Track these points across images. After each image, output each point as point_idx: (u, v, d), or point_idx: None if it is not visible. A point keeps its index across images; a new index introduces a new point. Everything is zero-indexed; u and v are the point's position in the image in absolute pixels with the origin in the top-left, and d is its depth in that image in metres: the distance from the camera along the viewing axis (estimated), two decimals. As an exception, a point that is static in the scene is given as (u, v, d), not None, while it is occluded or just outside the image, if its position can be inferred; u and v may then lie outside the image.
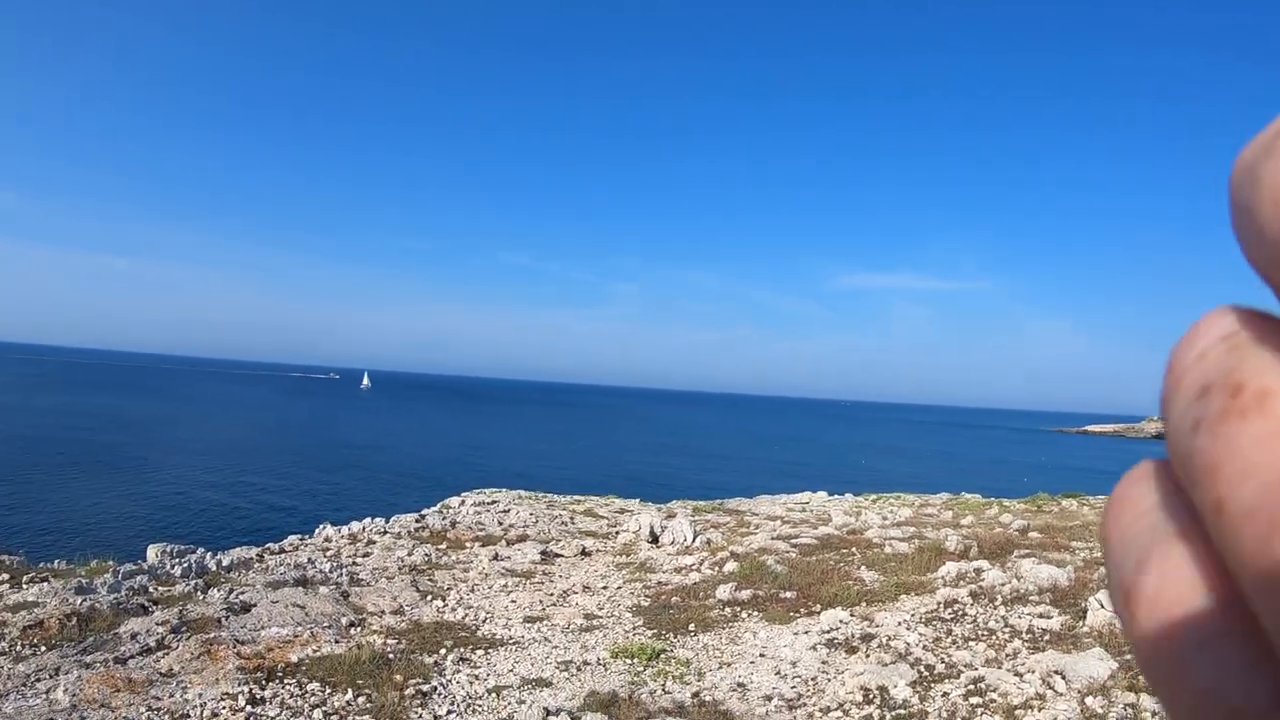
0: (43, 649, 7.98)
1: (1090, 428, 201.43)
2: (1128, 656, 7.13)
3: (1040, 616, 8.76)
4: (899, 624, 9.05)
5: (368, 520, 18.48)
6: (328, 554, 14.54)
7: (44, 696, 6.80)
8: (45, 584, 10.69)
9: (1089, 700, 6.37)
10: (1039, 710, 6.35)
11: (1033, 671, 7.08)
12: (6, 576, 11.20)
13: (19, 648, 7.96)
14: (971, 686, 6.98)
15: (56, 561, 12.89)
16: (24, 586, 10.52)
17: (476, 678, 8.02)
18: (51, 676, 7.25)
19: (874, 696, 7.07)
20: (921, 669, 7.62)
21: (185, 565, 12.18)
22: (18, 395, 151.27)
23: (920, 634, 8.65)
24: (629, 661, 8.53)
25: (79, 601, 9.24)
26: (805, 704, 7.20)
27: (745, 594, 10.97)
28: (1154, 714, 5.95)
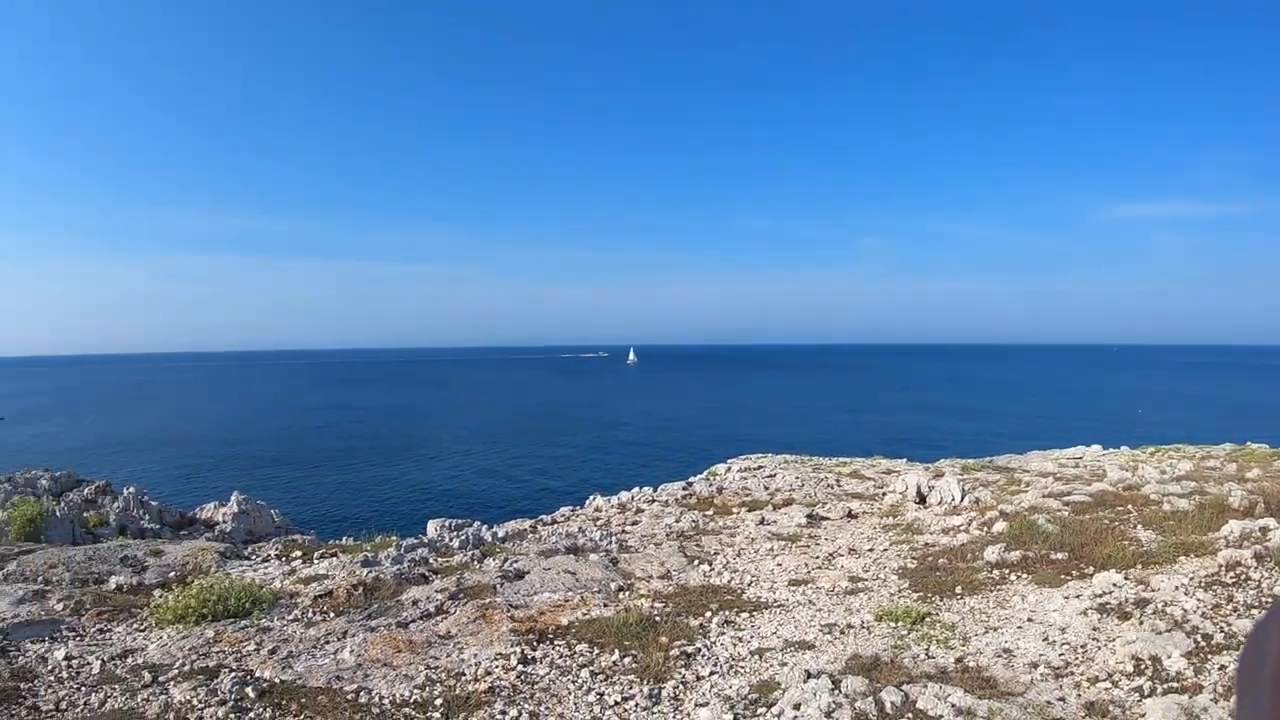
0: (331, 615, 8.96)
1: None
2: None
3: (1337, 579, 7.57)
4: (1176, 588, 8.35)
5: (636, 489, 19.68)
6: (598, 523, 15.37)
7: (332, 657, 7.53)
8: (334, 559, 12.05)
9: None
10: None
11: (1327, 641, 6.19)
12: (299, 553, 13.22)
13: (310, 614, 9.05)
14: (1254, 660, 6.23)
15: (344, 538, 15.23)
16: (314, 561, 11.91)
17: (740, 640, 8.17)
18: (339, 639, 8.05)
19: (1145, 667, 6.59)
20: (1198, 638, 6.79)
21: (463, 538, 13.24)
22: (315, 394, 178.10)
23: (1198, 600, 7.87)
24: (893, 625, 8.38)
25: (365, 573, 10.17)
26: (1072, 673, 6.59)
27: (1014, 555, 10.55)
28: None
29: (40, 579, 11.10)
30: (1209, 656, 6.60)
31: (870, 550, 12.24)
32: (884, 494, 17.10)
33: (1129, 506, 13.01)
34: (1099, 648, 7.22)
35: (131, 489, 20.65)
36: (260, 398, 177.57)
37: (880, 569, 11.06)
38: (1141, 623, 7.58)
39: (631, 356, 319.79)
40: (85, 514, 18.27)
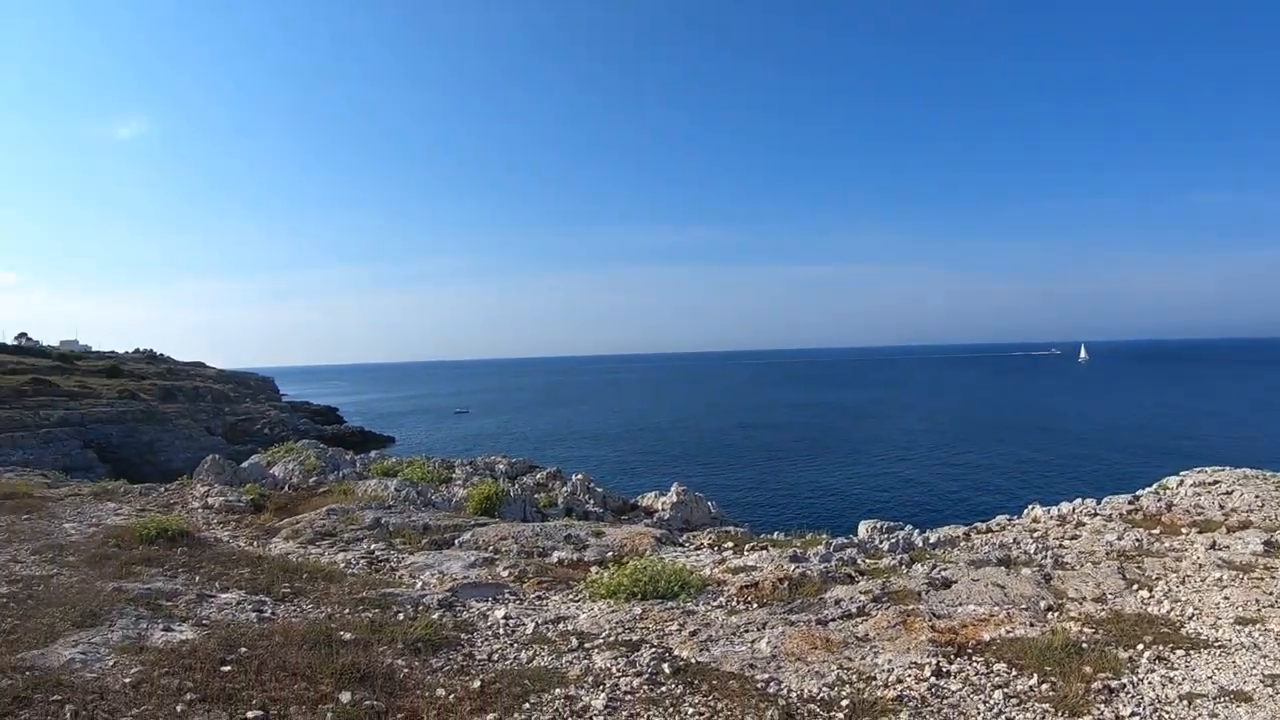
0: (754, 606, 9.31)
1: None
2: None
3: None
4: None
5: (1078, 501, 17.85)
6: (1034, 535, 14.21)
7: (748, 645, 7.78)
8: (764, 552, 12.44)
9: None
10: None
11: None
12: (731, 544, 13.78)
13: (734, 603, 9.50)
14: None
15: (775, 533, 15.57)
16: (744, 553, 12.42)
17: (1170, 680, 7.19)
18: (758, 629, 8.27)
19: None
20: None
21: (893, 541, 12.93)
22: (757, 392, 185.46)
23: None
24: None
25: (791, 568, 10.41)
26: None
27: None
28: None
29: (490, 548, 12.74)
30: None
31: None
32: None
33: None
34: None
35: (579, 476, 22.96)
36: (705, 395, 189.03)
37: None
38: None
39: (1083, 354, 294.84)
40: (536, 496, 20.69)
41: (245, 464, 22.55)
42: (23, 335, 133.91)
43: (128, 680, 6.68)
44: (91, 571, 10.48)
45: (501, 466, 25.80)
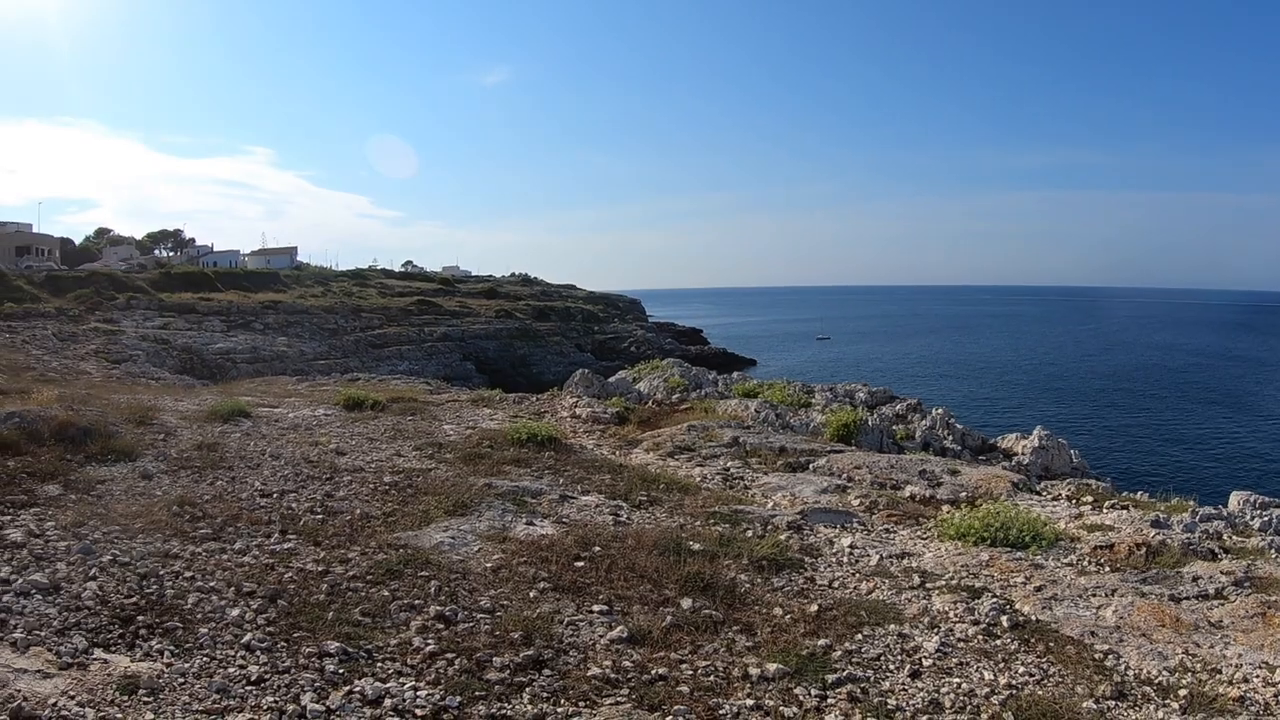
0: (1106, 569, 9.46)
1: None
2: None
3: None
4: None
5: None
6: None
7: (1093, 611, 8.02)
8: (1124, 511, 12.31)
9: None
10: None
11: None
12: (1090, 499, 13.51)
13: (1085, 563, 9.67)
14: None
15: (1139, 491, 14.95)
16: (1103, 510, 12.34)
17: None
18: (1106, 596, 8.44)
19: None
20: None
21: (1266, 519, 12.28)
22: (1154, 334, 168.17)
23: None
24: None
25: (1152, 534, 10.39)
26: None
27: None
28: None
29: (844, 476, 13.43)
30: None
31: None
32: None
33: None
34: None
35: (940, 410, 22.81)
36: (1072, 333, 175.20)
37: None
38: None
39: None
40: (894, 427, 20.94)
41: (612, 379, 24.58)
42: (409, 263, 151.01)
43: (489, 565, 8.00)
44: (465, 468, 12.21)
45: (861, 395, 26.19)
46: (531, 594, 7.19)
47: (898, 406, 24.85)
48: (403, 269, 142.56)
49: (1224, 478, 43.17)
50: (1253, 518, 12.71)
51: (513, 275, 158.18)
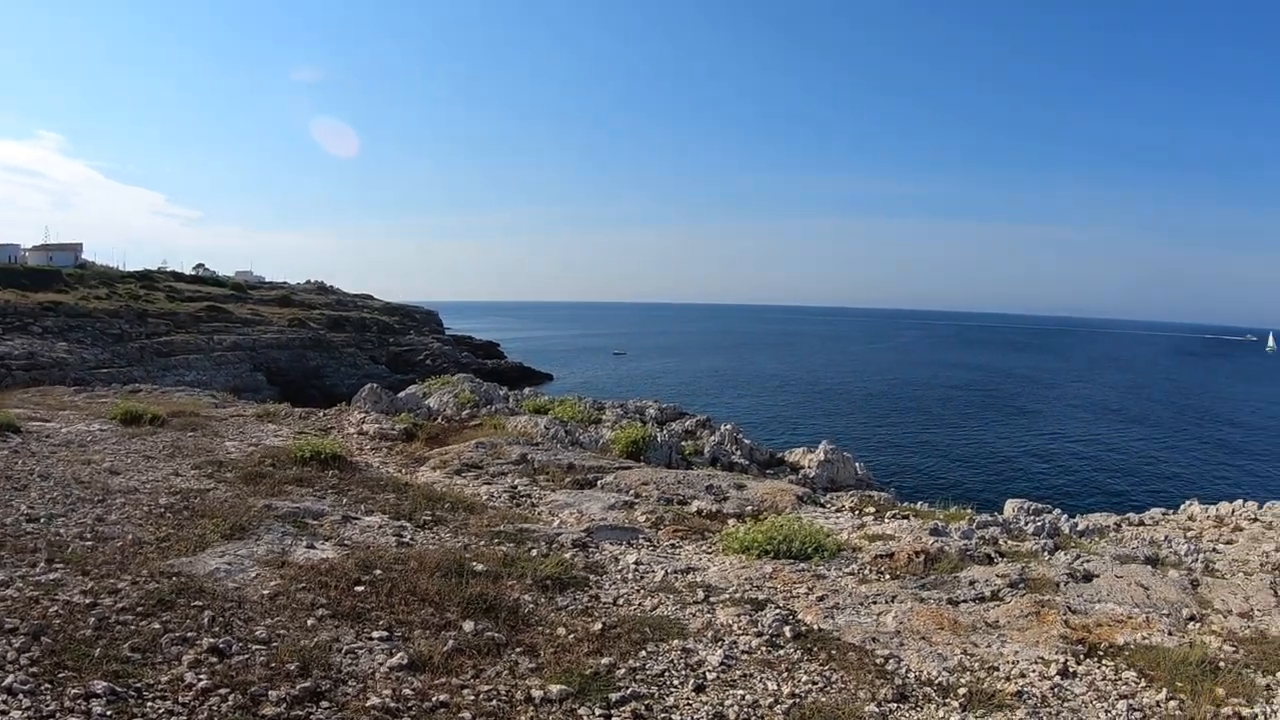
0: (886, 577, 9.62)
1: None
2: None
3: None
4: None
5: (1238, 503, 17.12)
6: (1188, 535, 13.91)
7: (875, 618, 8.10)
8: (905, 521, 12.72)
9: None
10: None
11: None
12: (872, 509, 13.87)
13: (866, 572, 9.80)
14: None
15: (919, 502, 15.59)
16: (885, 520, 12.70)
17: None
18: (886, 603, 8.55)
19: None
20: None
21: (1038, 524, 12.95)
22: (926, 353, 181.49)
23: None
24: None
25: (930, 541, 10.67)
26: None
27: None
28: None
29: (631, 492, 13.34)
30: None
31: None
32: None
33: None
34: None
35: (728, 426, 23.32)
36: (868, 351, 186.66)
37: None
38: None
39: (1271, 342, 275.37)
40: (683, 443, 21.15)
41: (402, 394, 23.97)
42: (200, 266, 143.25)
43: (265, 592, 7.48)
44: (245, 488, 11.57)
45: (651, 411, 26.41)
46: (310, 622, 6.89)
47: (687, 423, 25.20)
48: (194, 272, 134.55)
49: (1001, 487, 46.43)
50: (1026, 523, 13.47)
51: (308, 283, 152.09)
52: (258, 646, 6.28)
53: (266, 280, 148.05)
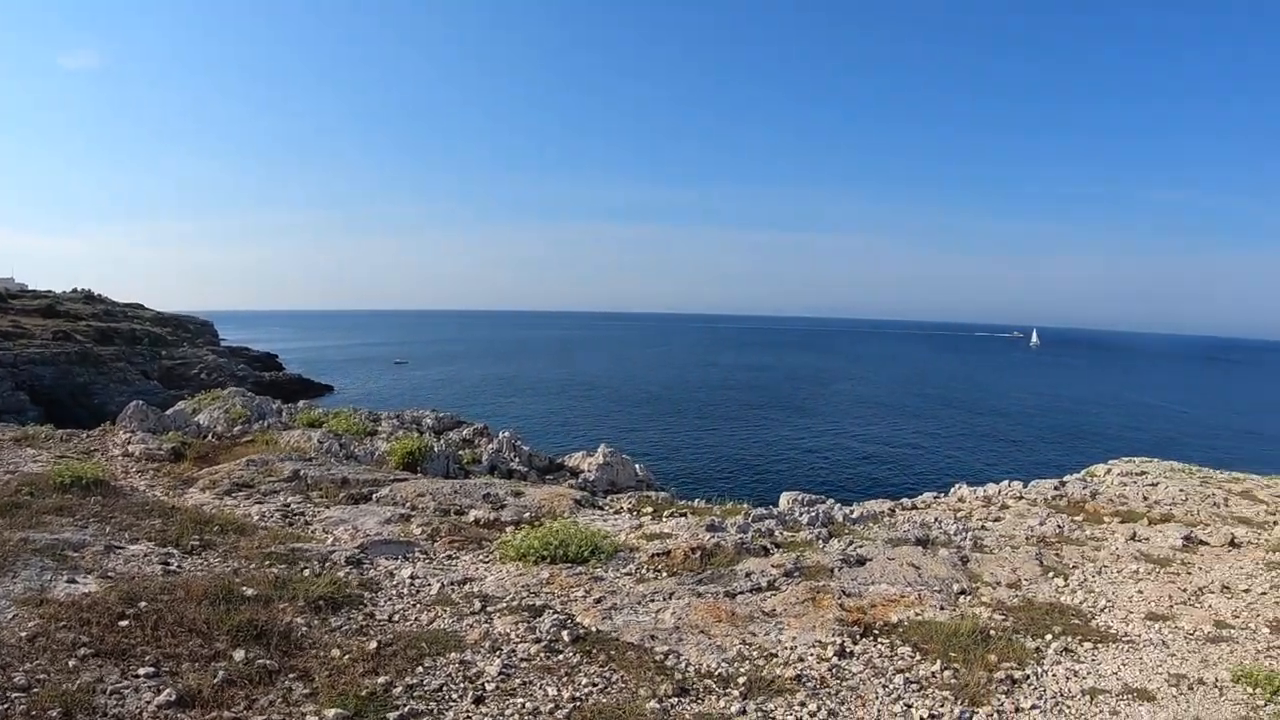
0: (664, 574, 9.60)
1: None
2: None
3: None
4: None
5: (1004, 483, 18.64)
6: (957, 515, 14.90)
7: (653, 615, 8.03)
8: (683, 519, 12.86)
9: None
10: None
11: None
12: (650, 509, 13.93)
13: (644, 571, 9.76)
14: None
15: (696, 499, 15.83)
16: (663, 519, 12.77)
17: (1075, 674, 7.58)
18: (664, 600, 8.51)
19: None
20: None
21: (813, 514, 13.47)
22: (708, 354, 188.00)
23: None
24: (1250, 690, 7.23)
25: (707, 537, 10.78)
26: None
27: None
28: None
29: (408, 505, 12.86)
30: None
31: (1246, 591, 10.56)
32: (1276, 523, 14.92)
33: None
34: None
35: (506, 433, 23.07)
36: (650, 355, 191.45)
37: (1252, 617, 9.48)
38: None
39: (1035, 339, 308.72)
40: (461, 452, 20.70)
41: (170, 411, 22.24)
42: None
43: (24, 634, 6.77)
44: (1, 521, 10.35)
45: (429, 421, 25.74)
46: (72, 663, 6.33)
47: (465, 431, 24.73)
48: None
49: (779, 480, 48.18)
50: (801, 514, 13.94)
51: (75, 291, 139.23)
52: (17, 694, 5.79)
53: (29, 288, 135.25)
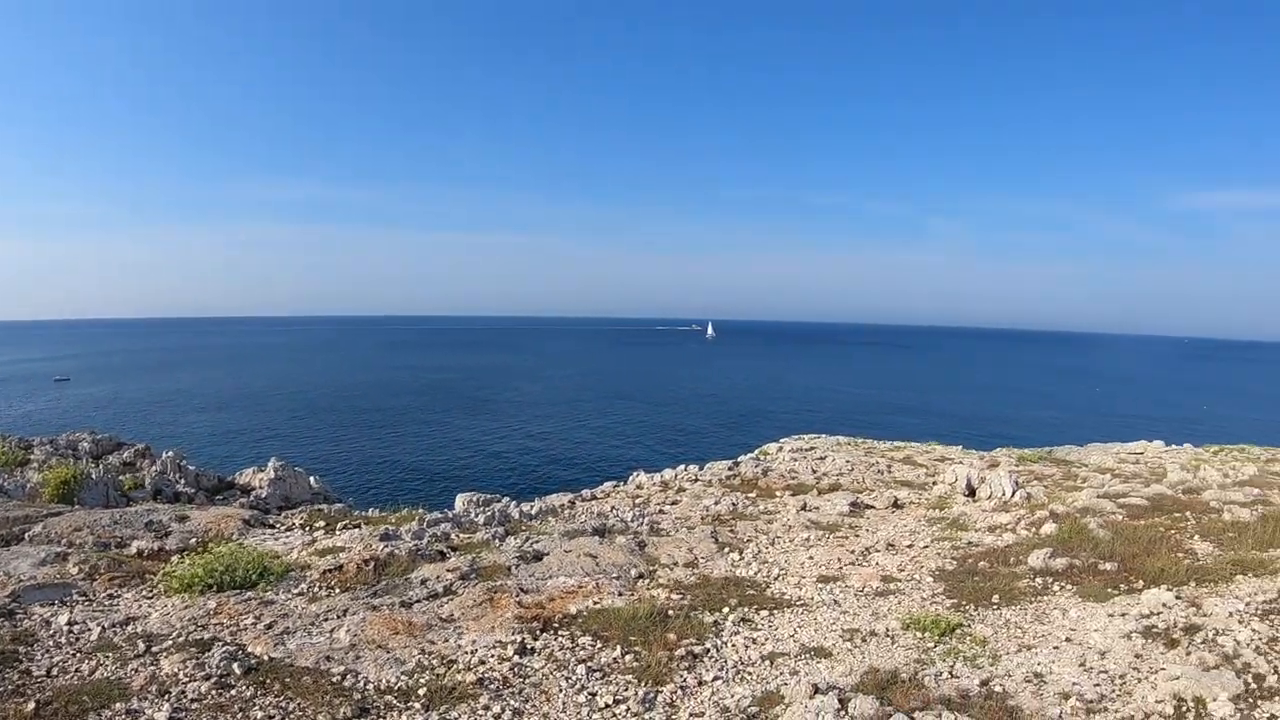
0: (337, 591, 9.43)
1: None
2: None
3: None
4: (1230, 615, 8.14)
5: (681, 468, 19.95)
6: (636, 502, 15.83)
7: (327, 635, 7.93)
8: (357, 530, 12.68)
9: None
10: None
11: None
12: (323, 523, 13.60)
13: (316, 589, 9.53)
14: (1308, 711, 5.82)
15: (372, 508, 15.65)
16: (337, 532, 12.56)
17: (753, 642, 8.19)
18: (339, 617, 8.41)
19: (1188, 710, 6.41)
20: (1249, 679, 6.68)
21: (489, 514, 13.77)
22: (384, 359, 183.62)
23: (1254, 631, 7.62)
24: (919, 635, 8.32)
25: (380, 547, 10.70)
26: (1107, 709, 6.59)
27: (1060, 562, 10.45)
28: None
29: (64, 541, 11.81)
30: (1259, 702, 6.30)
31: (909, 547, 12.20)
32: (934, 483, 17.13)
33: (1187, 513, 12.95)
34: (1139, 680, 7.00)
35: (170, 453, 21.62)
36: (326, 362, 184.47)
37: (916, 569, 10.99)
38: (1189, 653, 7.34)
39: (710, 331, 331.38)
40: (121, 477, 19.22)
41: None
42: None
43: None
44: None
45: (86, 445, 23.32)
46: None
47: (126, 454, 22.73)
48: None
49: (459, 482, 47.87)
50: (477, 514, 14.14)
51: None
52: None
53: None
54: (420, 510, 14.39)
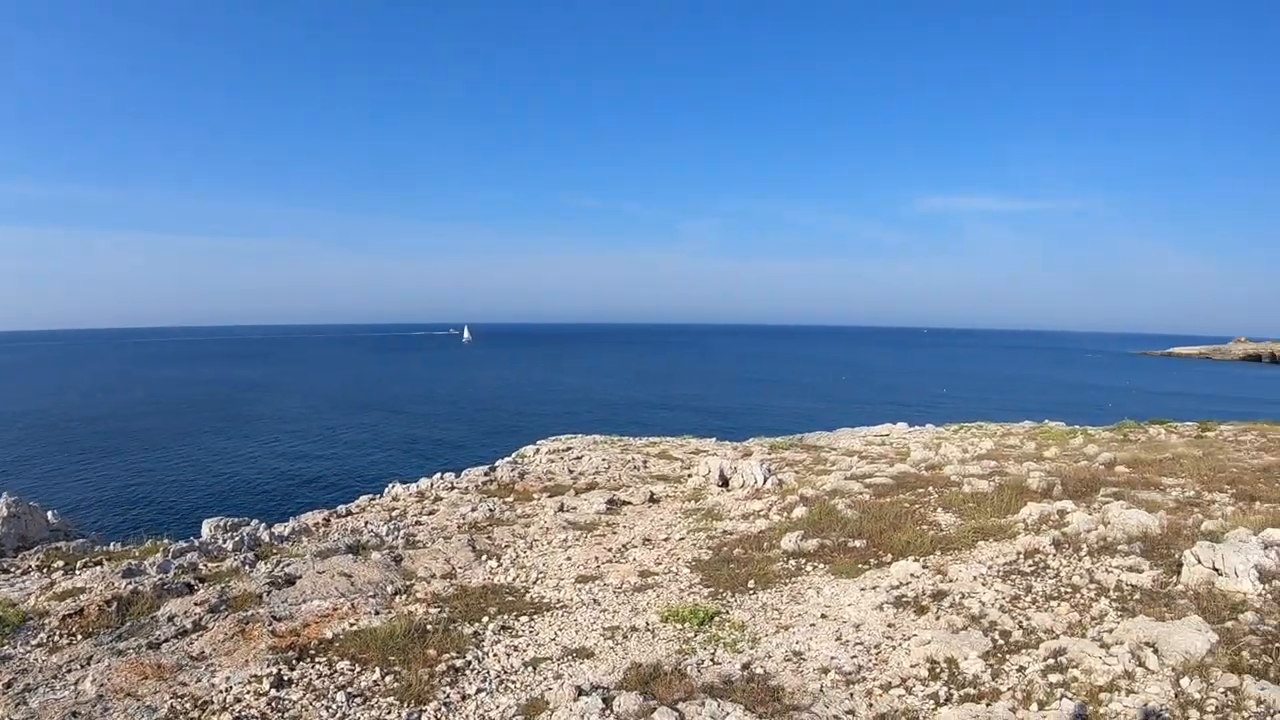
0: (79, 638, 9.10)
1: (1176, 350, 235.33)
2: (1228, 625, 6.98)
3: (1130, 570, 8.89)
4: (974, 579, 9.14)
5: (437, 476, 20.07)
6: (392, 515, 15.92)
7: (72, 688, 7.70)
8: (99, 568, 12.16)
9: (1184, 681, 6.21)
10: (1126, 693, 6.21)
11: (1120, 643, 6.93)
12: (61, 563, 13.00)
13: (56, 637, 9.14)
14: (1051, 661, 6.89)
15: (115, 542, 14.95)
16: (77, 572, 12.05)
17: (515, 649, 8.50)
18: (82, 667, 8.21)
19: (941, 671, 7.00)
20: (996, 636, 7.48)
21: (238, 538, 13.59)
22: (127, 374, 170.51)
23: (997, 591, 8.64)
24: (679, 627, 8.86)
25: (124, 585, 10.36)
26: (865, 678, 7.13)
27: (812, 544, 11.41)
28: (1258, 701, 5.73)
29: None
30: (1007, 656, 7.19)
31: (666, 540, 12.86)
32: (689, 476, 18.03)
33: (929, 488, 14.36)
34: (894, 648, 7.80)
35: None
36: (61, 380, 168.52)
37: (674, 561, 11.63)
38: (938, 618, 8.31)
39: (467, 334, 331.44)
40: None
41: None
42: None
43: None
44: None
45: None
46: None
47: None
48: None
49: (210, 505, 45.49)
50: (225, 540, 13.83)
51: None
52: None
53: None
54: (166, 540, 13.90)
